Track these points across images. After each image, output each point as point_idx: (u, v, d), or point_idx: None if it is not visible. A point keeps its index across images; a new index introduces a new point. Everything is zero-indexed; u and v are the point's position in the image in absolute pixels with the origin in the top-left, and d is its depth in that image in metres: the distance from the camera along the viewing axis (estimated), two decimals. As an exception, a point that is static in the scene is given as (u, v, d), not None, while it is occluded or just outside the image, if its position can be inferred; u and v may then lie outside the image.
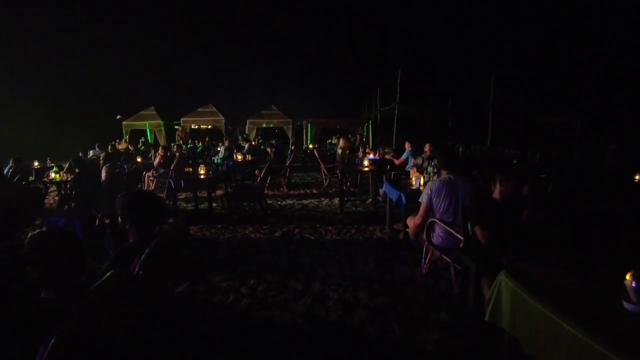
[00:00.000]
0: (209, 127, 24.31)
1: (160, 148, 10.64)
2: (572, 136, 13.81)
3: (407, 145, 8.92)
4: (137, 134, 22.54)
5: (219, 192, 8.61)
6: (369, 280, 3.98)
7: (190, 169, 7.25)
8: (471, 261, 2.66)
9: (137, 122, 23.36)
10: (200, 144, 17.08)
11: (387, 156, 10.61)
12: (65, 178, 7.83)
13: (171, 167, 9.65)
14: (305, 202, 8.03)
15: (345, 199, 7.94)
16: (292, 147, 11.72)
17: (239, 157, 10.01)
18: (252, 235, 5.65)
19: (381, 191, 5.66)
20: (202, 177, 6.95)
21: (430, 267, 4.03)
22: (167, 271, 2.37)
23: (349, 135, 19.65)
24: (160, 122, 22.90)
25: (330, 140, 19.21)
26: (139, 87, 30.42)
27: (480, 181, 5.22)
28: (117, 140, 20.23)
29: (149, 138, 23.65)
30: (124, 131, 23.13)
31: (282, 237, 5.55)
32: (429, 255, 3.98)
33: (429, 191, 3.95)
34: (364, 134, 17.61)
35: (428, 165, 5.34)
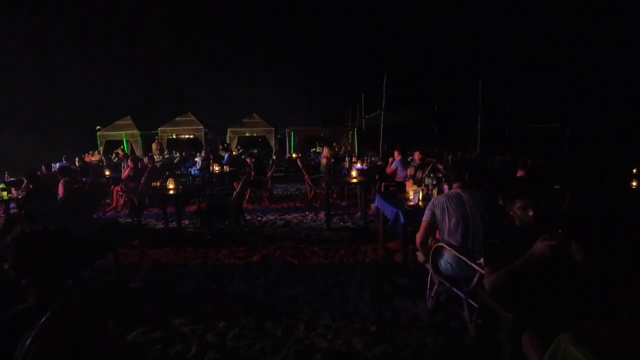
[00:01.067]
0: (191, 136, 23.44)
1: (129, 159, 9.80)
2: (561, 142, 13.52)
3: (397, 154, 8.31)
4: (113, 145, 21.52)
5: (194, 208, 7.84)
6: (364, 319, 3.28)
7: (157, 183, 6.46)
8: (505, 312, 1.99)
9: (112, 133, 22.39)
10: (178, 155, 16.19)
11: (378, 162, 10.00)
12: (16, 195, 6.95)
13: (141, 181, 8.90)
14: (288, 217, 7.31)
15: (332, 212, 7.26)
16: (274, 157, 10.99)
17: (216, 168, 9.25)
18: (227, 261, 4.90)
19: (373, 206, 4.99)
20: (170, 192, 6.18)
21: (437, 300, 3.37)
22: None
23: (334, 144, 19.08)
24: (137, 132, 21.97)
25: (314, 149, 18.57)
26: (115, 95, 29.35)
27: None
28: (91, 152, 19.23)
29: (125, 149, 22.66)
30: (98, 142, 22.12)
31: (260, 261, 4.82)
32: (435, 286, 3.32)
33: (432, 205, 3.31)
34: (349, 142, 17.03)
35: (426, 176, 4.71)
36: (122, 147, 21.12)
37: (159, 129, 21.81)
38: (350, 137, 16.76)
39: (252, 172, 8.88)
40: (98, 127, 22.85)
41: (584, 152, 12.77)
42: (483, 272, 2.62)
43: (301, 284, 4.05)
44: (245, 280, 4.22)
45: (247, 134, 22.89)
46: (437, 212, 3.24)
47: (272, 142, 21.51)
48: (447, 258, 3.17)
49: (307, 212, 7.65)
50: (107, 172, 9.71)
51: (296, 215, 7.39)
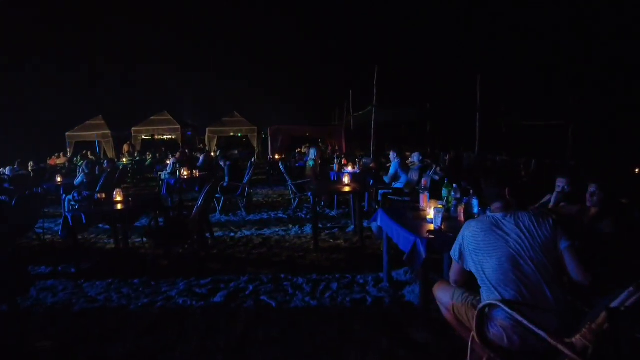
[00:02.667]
0: (171, 137, 21.97)
1: (83, 162, 8.45)
2: (564, 141, 12.63)
3: (393, 156, 7.17)
4: (83, 147, 19.91)
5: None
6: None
7: (103, 195, 5.16)
8: None
9: (83, 133, 20.81)
10: (150, 157, 14.79)
11: (370, 164, 8.86)
12: None
13: (97, 189, 7.61)
14: (267, 232, 6.09)
15: (320, 226, 6.09)
16: (253, 160, 9.75)
17: (185, 172, 7.96)
18: (180, 301, 3.67)
19: (374, 225, 3.82)
20: (118, 206, 4.90)
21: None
22: None
23: (319, 144, 17.88)
24: (109, 132, 20.44)
25: (299, 150, 17.34)
26: (86, 94, 27.59)
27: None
28: (56, 154, 17.65)
29: (97, 151, 21.06)
30: (67, 143, 20.52)
31: (226, 303, 3.60)
32: (483, 361, 2.16)
33: (461, 239, 2.18)
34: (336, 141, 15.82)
35: (443, 186, 3.56)
36: (92, 149, 19.59)
37: (133, 129, 20.32)
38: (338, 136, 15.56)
39: (226, 178, 7.65)
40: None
41: (590, 151, 11.91)
42: (561, 345, 1.57)
43: (278, 343, 2.86)
44: (200, 336, 3.00)
45: (232, 134, 21.57)
46: (469, 249, 2.11)
47: (255, 142, 20.24)
48: (499, 320, 2.02)
49: (291, 225, 6.44)
50: (59, 179, 8.33)
51: (277, 230, 6.17)
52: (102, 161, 17.42)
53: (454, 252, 2.24)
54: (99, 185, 7.67)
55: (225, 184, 7.45)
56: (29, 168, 10.99)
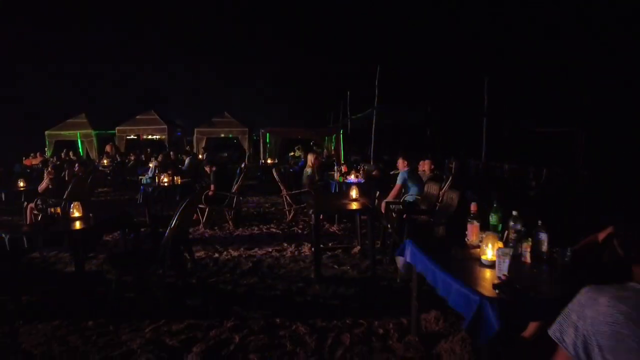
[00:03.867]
0: (158, 137, 20.85)
1: (48, 165, 7.45)
2: (574, 148, 11.94)
3: (402, 164, 6.28)
4: (63, 146, 18.75)
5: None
6: None
7: (58, 210, 4.20)
8: None
9: (64, 132, 19.67)
10: (133, 159, 13.75)
11: (373, 172, 8.01)
12: None
13: (64, 196, 6.67)
14: (259, 252, 5.18)
15: (321, 246, 5.19)
16: (243, 165, 8.83)
17: (165, 179, 7.01)
18: (144, 358, 2.75)
19: (400, 261, 2.93)
20: (77, 225, 3.95)
21: None
22: None
23: (314, 148, 16.95)
24: (92, 131, 19.33)
25: (293, 153, 16.43)
26: (69, 91, 26.33)
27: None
28: (32, 154, 16.50)
29: (80, 151, 19.92)
30: (47, 142, 19.36)
31: (202, 366, 2.69)
32: None
33: (581, 324, 1.27)
34: (333, 146, 14.95)
35: (492, 211, 2.69)
36: (73, 149, 18.44)
37: (117, 128, 19.20)
38: (334, 140, 14.68)
39: (212, 185, 6.72)
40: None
41: (603, 159, 11.21)
42: None
43: None
44: None
45: (223, 135, 20.56)
46: (600, 343, 1.22)
47: (246, 145, 19.26)
48: None
49: (286, 244, 5.53)
50: (21, 183, 7.31)
51: (270, 250, 5.26)
52: (83, 161, 16.46)
53: (562, 336, 1.35)
54: (66, 191, 6.72)
55: (210, 193, 6.54)
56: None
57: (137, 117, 19.57)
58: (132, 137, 20.21)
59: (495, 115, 12.34)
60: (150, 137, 21.50)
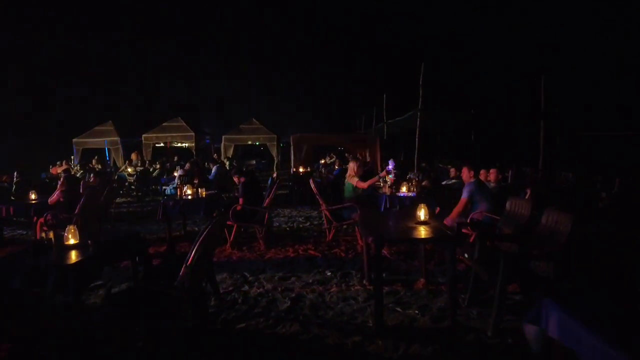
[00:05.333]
0: (189, 144, 20.34)
1: (62, 175, 6.76)
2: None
3: (467, 174, 5.20)
4: (91, 154, 18.52)
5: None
6: None
7: (50, 235, 3.36)
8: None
9: (91, 140, 19.46)
10: (159, 167, 13.11)
11: (423, 183, 6.95)
12: None
13: (76, 210, 5.98)
14: (297, 284, 4.20)
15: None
16: (275, 176, 7.93)
17: (189, 191, 6.17)
18: None
19: (533, 332, 1.88)
20: (71, 257, 3.09)
21: None
22: None
23: (346, 155, 15.92)
24: (118, 139, 19.02)
25: (324, 161, 15.46)
26: (96, 99, 26.36)
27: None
28: (58, 162, 16.21)
29: (107, 158, 19.70)
30: (74, 150, 19.18)
31: None
32: None
33: None
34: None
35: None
36: (99, 157, 18.14)
37: (143, 135, 18.83)
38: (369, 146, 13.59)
39: (241, 199, 5.83)
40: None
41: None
42: None
43: None
44: None
45: (250, 142, 19.95)
46: None
47: (274, 152, 18.50)
48: None
49: (329, 273, 4.54)
50: (32, 196, 6.65)
51: (311, 282, 4.27)
52: (110, 170, 16.04)
53: None
54: (78, 205, 5.98)
55: (238, 207, 5.64)
56: (14, 179, 9.38)
57: (164, 124, 19.18)
58: (159, 144, 19.83)
59: (553, 118, 11.04)
60: (177, 144, 21.07)
